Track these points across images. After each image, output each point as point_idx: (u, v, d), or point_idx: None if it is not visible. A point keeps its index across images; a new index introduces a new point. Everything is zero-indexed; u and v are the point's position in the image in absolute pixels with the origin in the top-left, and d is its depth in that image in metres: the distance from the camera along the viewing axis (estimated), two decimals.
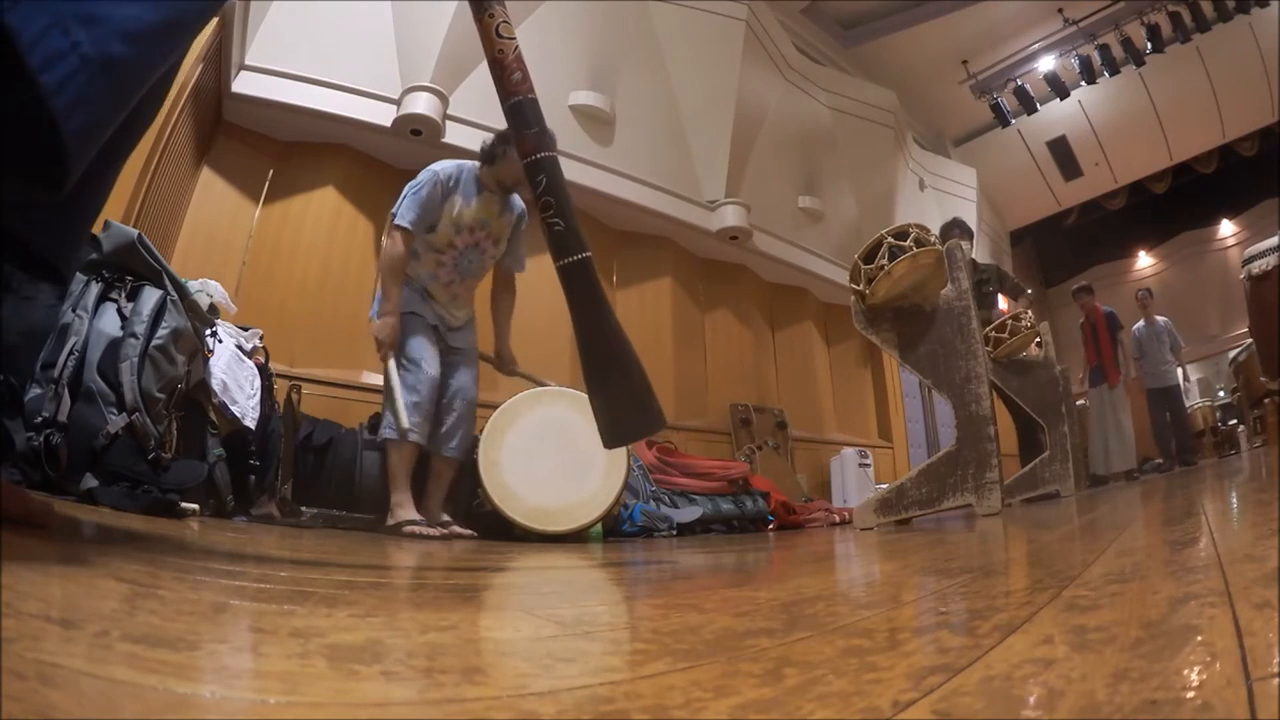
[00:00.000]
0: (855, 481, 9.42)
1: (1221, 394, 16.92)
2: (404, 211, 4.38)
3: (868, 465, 9.62)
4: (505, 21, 2.65)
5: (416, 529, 4.12)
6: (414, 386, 4.30)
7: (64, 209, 1.29)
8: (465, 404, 4.60)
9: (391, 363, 4.28)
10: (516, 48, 2.66)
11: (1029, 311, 6.85)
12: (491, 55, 2.64)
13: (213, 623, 0.88)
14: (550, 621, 1.16)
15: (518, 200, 4.69)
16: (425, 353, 4.36)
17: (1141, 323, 10.98)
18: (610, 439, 2.58)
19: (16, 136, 1.04)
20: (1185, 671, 0.58)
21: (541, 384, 4.81)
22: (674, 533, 5.20)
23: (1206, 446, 15.38)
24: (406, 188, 4.46)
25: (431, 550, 3.13)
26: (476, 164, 4.60)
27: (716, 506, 5.85)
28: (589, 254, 2.60)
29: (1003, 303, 8.17)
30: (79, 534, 1.47)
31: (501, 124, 2.82)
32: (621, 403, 2.55)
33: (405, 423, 4.18)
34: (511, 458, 4.39)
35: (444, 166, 4.53)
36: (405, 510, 4.27)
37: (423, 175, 4.47)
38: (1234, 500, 3.02)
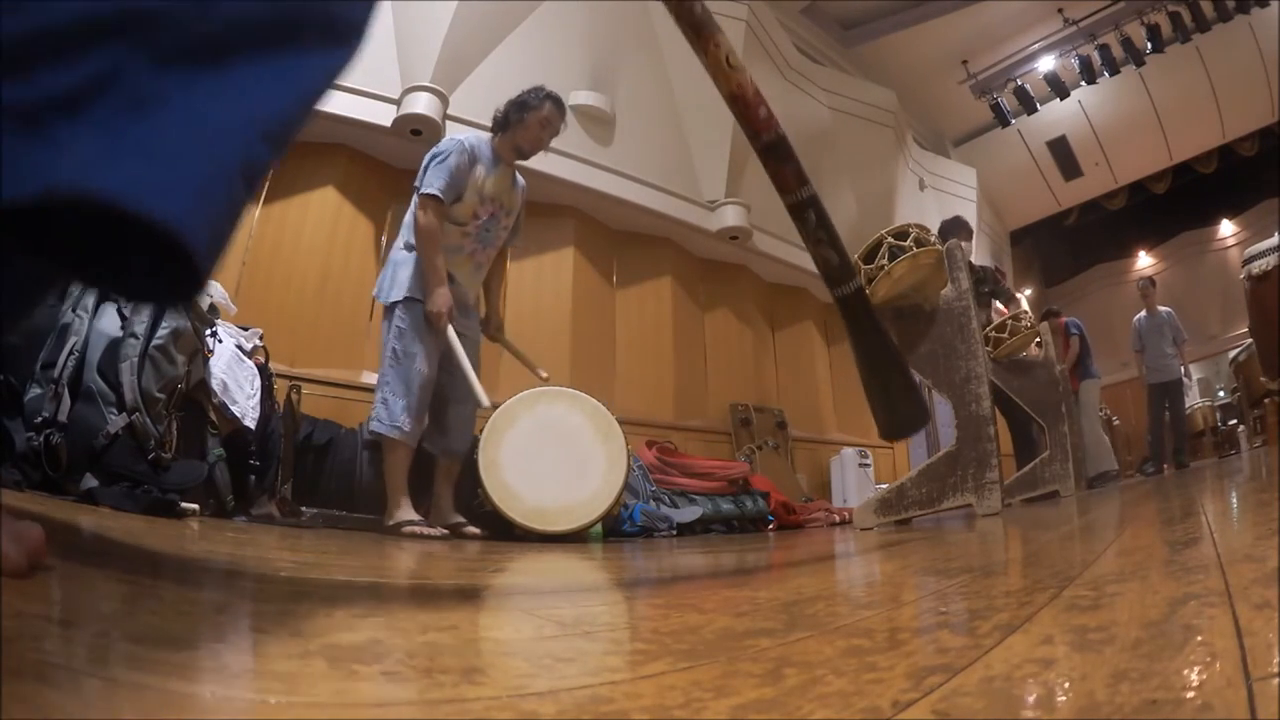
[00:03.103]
0: (855, 481, 9.42)
1: (1221, 394, 16.92)
2: (433, 179, 4.28)
3: (868, 465, 9.62)
4: (731, 50, 2.58)
5: (417, 529, 4.09)
6: (409, 385, 4.27)
7: None
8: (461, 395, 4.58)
9: (451, 329, 4.22)
10: (751, 78, 2.58)
11: (1029, 311, 6.86)
12: (730, 91, 2.53)
13: (213, 623, 0.88)
14: (550, 621, 1.16)
15: (519, 176, 4.66)
16: (427, 348, 4.33)
17: (1143, 314, 10.84)
18: (892, 432, 2.79)
19: (133, 264, 0.91)
20: (1185, 671, 0.58)
21: (528, 363, 4.79)
22: (674, 533, 5.20)
23: (1206, 447, 15.39)
24: (427, 158, 4.39)
25: (431, 550, 3.13)
26: (490, 135, 4.56)
27: (716, 506, 5.85)
28: (860, 283, 2.64)
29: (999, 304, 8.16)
30: (79, 534, 1.47)
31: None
32: (904, 403, 2.78)
33: (407, 426, 4.20)
34: (511, 458, 4.38)
35: (466, 136, 4.46)
36: (404, 510, 4.23)
37: (446, 144, 4.40)
38: (1234, 500, 3.03)
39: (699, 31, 2.46)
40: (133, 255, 0.84)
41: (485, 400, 4.08)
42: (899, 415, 2.79)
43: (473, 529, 4.27)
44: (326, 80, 0.98)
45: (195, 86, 0.84)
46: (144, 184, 0.76)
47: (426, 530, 4.09)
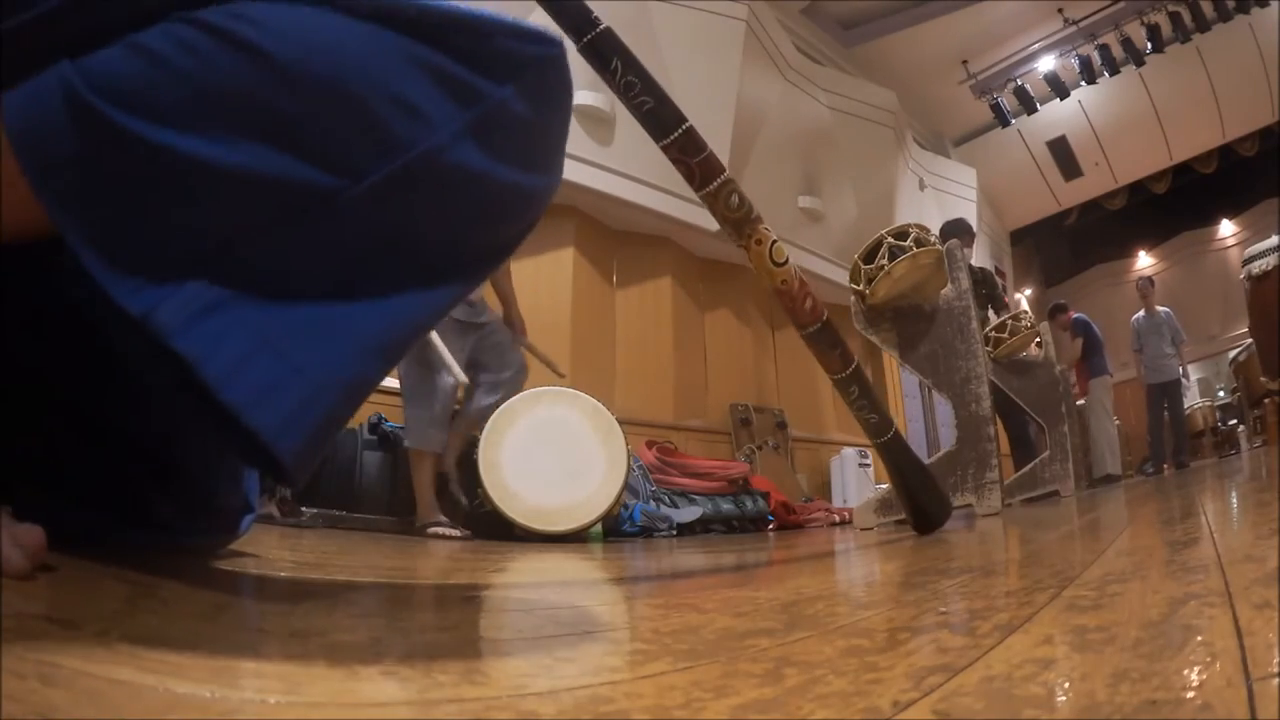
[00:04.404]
0: (855, 481, 9.41)
1: (1221, 394, 16.91)
2: None
3: (868, 465, 9.60)
4: (776, 242, 2.60)
5: (441, 530, 4.23)
6: (434, 397, 4.34)
7: None
8: (516, 374, 4.73)
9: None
10: (796, 271, 2.64)
11: (1028, 311, 6.86)
12: (775, 287, 2.62)
13: (213, 623, 0.88)
14: (550, 621, 1.16)
15: None
16: (446, 358, 4.35)
17: (1141, 313, 10.82)
18: (925, 530, 3.16)
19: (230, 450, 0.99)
20: (1185, 671, 0.58)
21: (550, 363, 4.83)
22: (674, 533, 5.20)
23: (1206, 447, 15.39)
24: None
25: (432, 550, 3.13)
26: None
27: (716, 506, 5.85)
28: (896, 429, 3.01)
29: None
30: (78, 534, 1.47)
31: None
32: (934, 507, 3.17)
33: (435, 443, 4.37)
34: (511, 458, 4.38)
35: None
36: (431, 513, 4.38)
37: None
38: (1234, 500, 3.03)
39: (740, 229, 2.52)
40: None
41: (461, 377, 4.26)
42: (930, 517, 3.15)
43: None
44: (447, 308, 1.01)
45: (347, 309, 0.88)
46: (267, 407, 0.82)
47: (450, 531, 4.24)
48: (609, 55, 2.24)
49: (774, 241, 2.57)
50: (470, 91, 0.86)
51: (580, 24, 2.18)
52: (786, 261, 2.58)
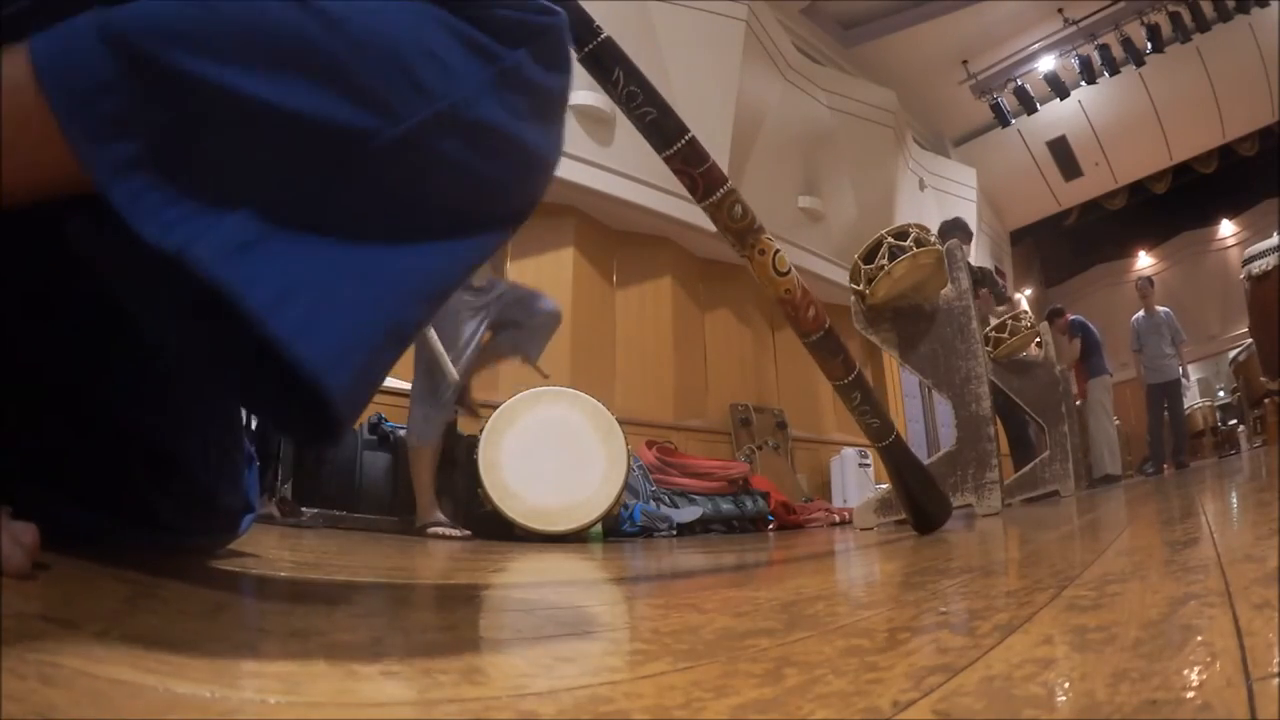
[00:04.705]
0: (855, 481, 9.40)
1: (1221, 394, 16.91)
2: None
3: (868, 465, 9.59)
4: (779, 251, 2.61)
5: (441, 530, 4.21)
6: (438, 396, 4.36)
7: None
8: (550, 315, 4.78)
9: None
10: (799, 279, 2.68)
11: (1028, 311, 6.87)
12: (778, 296, 2.65)
13: (213, 622, 0.88)
14: (550, 621, 1.16)
15: None
16: (440, 354, 4.35)
17: (1141, 313, 10.82)
18: (926, 530, 3.21)
19: (266, 397, 0.92)
20: (1185, 671, 0.59)
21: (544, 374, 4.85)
22: (674, 533, 5.20)
23: (1206, 447, 15.39)
24: None
25: (431, 550, 3.13)
26: None
27: (716, 506, 5.85)
28: (897, 434, 3.10)
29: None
30: (77, 533, 1.47)
31: None
32: (934, 507, 3.23)
33: (433, 438, 4.37)
34: (511, 458, 4.39)
35: None
36: (431, 512, 4.35)
37: None
38: (1234, 500, 3.03)
39: (743, 239, 2.54)
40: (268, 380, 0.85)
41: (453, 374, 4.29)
42: (931, 518, 3.21)
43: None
44: (476, 262, 1.01)
45: (392, 250, 0.88)
46: (313, 339, 0.79)
47: (450, 531, 4.22)
48: (611, 65, 2.24)
49: (776, 251, 2.59)
50: (488, 52, 0.88)
51: (581, 32, 2.17)
52: (789, 271, 2.61)
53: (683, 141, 2.35)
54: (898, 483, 3.19)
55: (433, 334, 4.20)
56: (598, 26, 2.20)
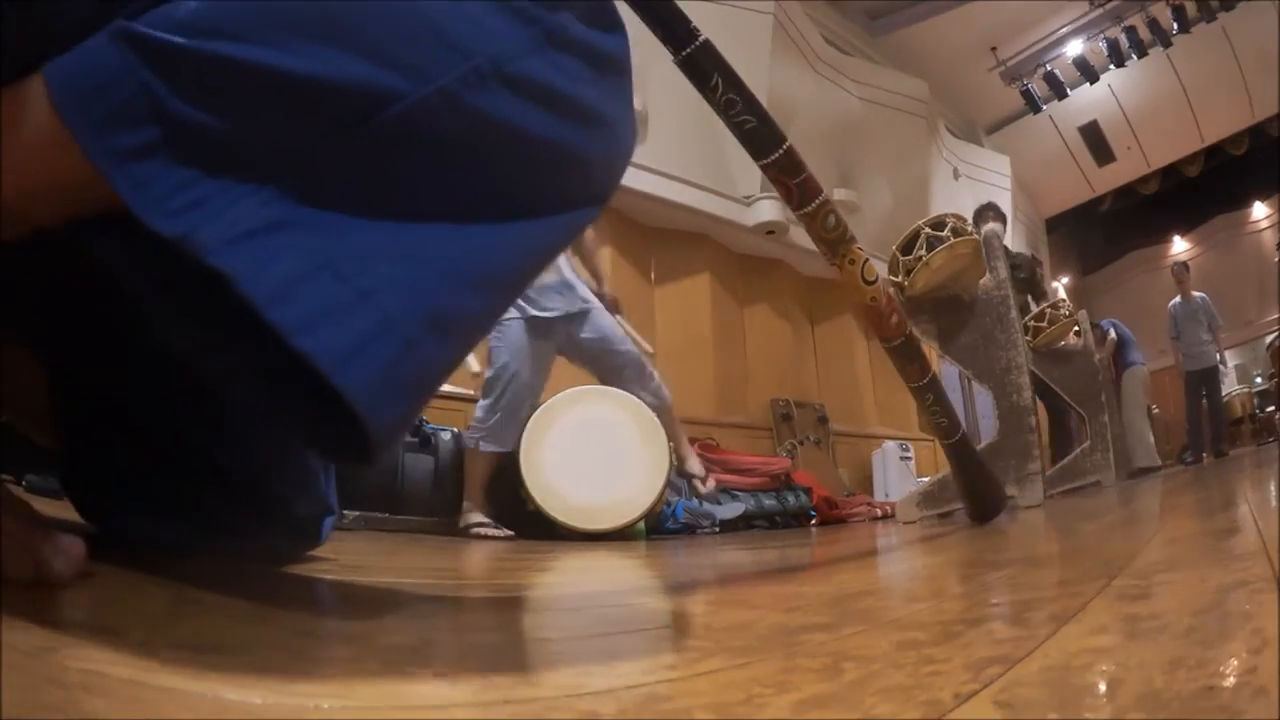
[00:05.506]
0: (897, 475, 9.35)
1: (1259, 380, 16.66)
2: None
3: (909, 458, 9.56)
4: (868, 261, 2.65)
5: (485, 530, 4.27)
6: (502, 396, 4.43)
7: None
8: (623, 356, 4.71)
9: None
10: (884, 288, 2.73)
11: (1066, 299, 6.82)
12: (864, 303, 2.69)
13: (259, 627, 0.87)
14: (600, 620, 1.17)
15: None
16: (523, 357, 4.42)
17: (1178, 299, 10.74)
18: (983, 520, 3.33)
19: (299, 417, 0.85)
20: (1239, 657, 0.59)
21: (637, 340, 4.84)
22: (717, 530, 5.19)
23: (1245, 434, 15.21)
24: None
25: (476, 551, 3.14)
26: None
27: (759, 503, 5.84)
28: (964, 432, 3.26)
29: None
30: (119, 538, 1.48)
31: None
32: (994, 499, 3.36)
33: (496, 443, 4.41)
34: (554, 457, 4.39)
35: None
36: (474, 514, 4.39)
37: None
38: (1274, 488, 3.01)
39: (835, 249, 2.55)
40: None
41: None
42: (989, 508, 3.33)
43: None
44: (542, 250, 0.95)
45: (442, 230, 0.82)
46: (322, 331, 0.72)
47: (494, 531, 4.27)
48: (709, 70, 2.21)
49: (865, 261, 2.62)
50: (528, 14, 0.83)
51: (680, 34, 2.13)
52: (876, 280, 2.64)
53: (780, 150, 2.35)
54: (960, 476, 3.31)
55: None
56: (695, 29, 2.14)
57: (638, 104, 7.98)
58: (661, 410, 4.59)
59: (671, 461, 4.65)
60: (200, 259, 0.70)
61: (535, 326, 4.41)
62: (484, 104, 0.80)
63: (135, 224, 0.70)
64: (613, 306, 4.87)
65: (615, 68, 0.95)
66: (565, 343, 4.58)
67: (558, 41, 0.85)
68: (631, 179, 7.89)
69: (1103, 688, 0.57)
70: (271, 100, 0.74)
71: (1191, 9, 12.51)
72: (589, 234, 4.79)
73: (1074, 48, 13.36)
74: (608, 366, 4.61)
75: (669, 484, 4.69)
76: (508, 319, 4.34)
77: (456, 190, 0.83)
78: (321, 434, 0.83)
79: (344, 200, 0.78)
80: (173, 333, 0.93)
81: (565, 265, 4.56)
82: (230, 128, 0.74)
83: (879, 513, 6.97)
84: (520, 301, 4.26)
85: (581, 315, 4.54)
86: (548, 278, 4.43)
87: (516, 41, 0.82)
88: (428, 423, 5.19)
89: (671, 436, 4.63)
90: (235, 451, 1.19)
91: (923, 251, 4.29)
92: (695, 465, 5.22)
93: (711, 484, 5.06)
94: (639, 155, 6.38)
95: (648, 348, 4.98)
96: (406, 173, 0.80)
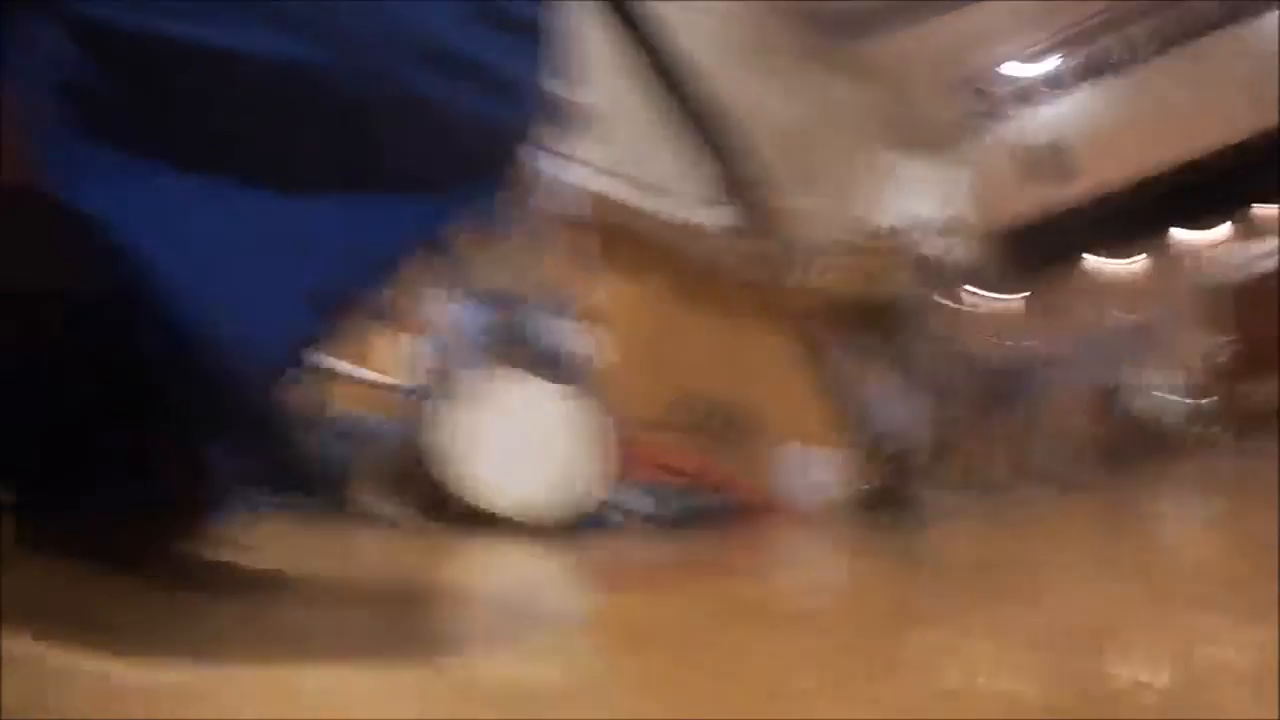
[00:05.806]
0: (818, 477, 9.39)
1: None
2: None
3: (830, 462, 9.60)
4: (815, 266, 2.67)
5: (395, 518, 4.15)
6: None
7: None
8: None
9: None
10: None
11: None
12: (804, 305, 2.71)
13: (173, 611, 0.86)
14: (515, 614, 1.17)
15: None
16: None
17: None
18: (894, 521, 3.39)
19: None
20: None
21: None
22: (648, 525, 5.19)
23: None
24: None
25: (391, 542, 3.12)
26: None
27: (688, 501, 5.85)
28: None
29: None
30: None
31: None
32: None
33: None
34: (478, 446, 4.34)
35: None
36: (386, 501, 4.24)
37: None
38: None
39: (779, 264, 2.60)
40: None
41: None
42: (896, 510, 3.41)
43: None
44: (465, 211, 0.94)
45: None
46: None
47: (404, 519, 4.14)
48: None
49: (813, 267, 2.66)
50: None
51: None
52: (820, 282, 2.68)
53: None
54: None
55: None
56: None
57: (587, 100, 7.98)
58: (590, 407, 4.59)
59: (602, 456, 4.65)
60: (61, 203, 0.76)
61: (474, 320, 4.39)
62: (405, 77, 0.85)
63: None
64: (558, 307, 4.87)
65: (536, 35, 0.95)
66: (505, 337, 4.56)
67: (476, 11, 0.85)
68: (581, 179, 7.89)
69: None
70: (181, 72, 0.76)
71: (1168, 30, 12.60)
72: (540, 229, 4.80)
73: (1044, 64, 13.43)
74: (545, 362, 4.61)
75: (599, 478, 4.69)
76: (452, 310, 4.32)
77: (364, 163, 0.87)
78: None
79: (238, 171, 0.82)
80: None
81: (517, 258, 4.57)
82: (135, 101, 0.76)
83: (805, 513, 7.04)
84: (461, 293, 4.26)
85: (527, 312, 4.55)
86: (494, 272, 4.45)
87: (446, 15, 0.82)
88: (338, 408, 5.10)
89: (599, 433, 4.62)
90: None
91: (850, 256, 4.34)
92: (617, 464, 5.22)
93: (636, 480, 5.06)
94: (589, 154, 6.34)
95: (591, 348, 4.96)
96: (318, 147, 0.84)
